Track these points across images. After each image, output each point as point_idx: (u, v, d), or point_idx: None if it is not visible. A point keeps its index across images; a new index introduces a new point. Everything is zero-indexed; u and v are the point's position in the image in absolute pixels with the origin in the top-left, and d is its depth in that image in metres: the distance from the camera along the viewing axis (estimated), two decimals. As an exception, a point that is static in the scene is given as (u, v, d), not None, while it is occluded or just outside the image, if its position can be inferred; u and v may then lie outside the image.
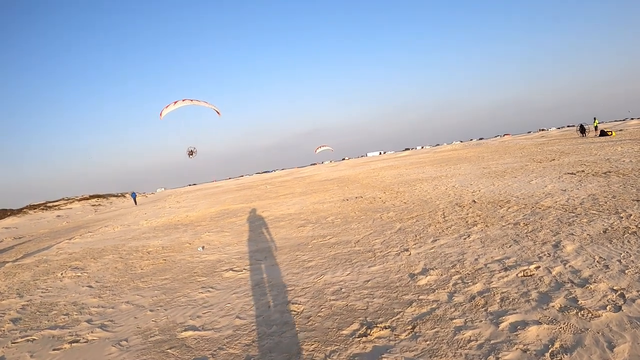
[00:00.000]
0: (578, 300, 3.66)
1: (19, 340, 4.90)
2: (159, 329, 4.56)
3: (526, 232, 6.19)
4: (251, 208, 16.53)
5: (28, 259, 11.62)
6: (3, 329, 5.42)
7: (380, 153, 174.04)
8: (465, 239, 6.34)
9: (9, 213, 41.31)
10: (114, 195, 59.62)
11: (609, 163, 13.22)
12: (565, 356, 2.87)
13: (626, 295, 3.61)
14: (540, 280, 4.27)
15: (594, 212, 6.85)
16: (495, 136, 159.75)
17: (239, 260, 7.34)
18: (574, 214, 6.90)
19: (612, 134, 30.39)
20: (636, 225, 5.65)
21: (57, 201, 51.73)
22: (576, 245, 5.22)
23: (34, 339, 4.88)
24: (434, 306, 3.99)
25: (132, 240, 12.19)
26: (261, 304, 4.83)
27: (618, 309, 3.41)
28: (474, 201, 9.62)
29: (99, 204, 48.13)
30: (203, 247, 8.99)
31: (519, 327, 3.37)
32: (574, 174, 11.67)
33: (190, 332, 4.31)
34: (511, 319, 3.52)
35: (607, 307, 3.45)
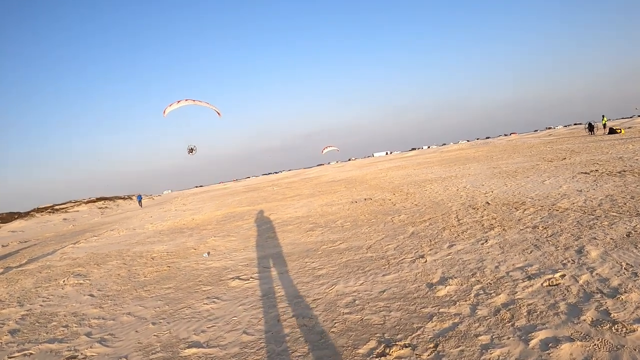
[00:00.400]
0: (610, 313, 3.36)
1: (16, 354, 4.66)
2: (160, 345, 4.29)
3: (546, 237, 5.86)
4: (258, 211, 16.27)
5: (31, 264, 11.44)
6: (0, 341, 5.19)
7: (386, 153, 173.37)
8: (482, 244, 6.02)
9: (16, 216, 41.53)
10: (120, 198, 59.81)
11: (622, 162, 12.83)
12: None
13: (662, 307, 3.29)
14: (568, 291, 3.95)
15: (614, 214, 6.51)
16: (498, 136, 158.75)
17: (246, 268, 7.06)
18: (593, 216, 6.56)
19: (621, 132, 29.91)
20: (663, 229, 5.31)
21: (64, 204, 52.00)
22: (600, 250, 4.89)
23: (32, 354, 4.63)
24: (456, 320, 3.68)
25: (137, 245, 11.97)
26: (270, 318, 4.53)
27: (654, 322, 3.10)
28: (487, 203, 9.28)
29: (106, 207, 48.24)
30: (208, 253, 8.73)
31: (550, 344, 3.06)
32: (588, 174, 11.30)
33: (194, 350, 4.01)
34: (541, 335, 3.21)
35: (642, 320, 3.15)
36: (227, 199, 27.98)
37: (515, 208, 8.19)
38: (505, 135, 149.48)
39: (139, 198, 44.18)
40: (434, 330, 3.58)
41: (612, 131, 31.13)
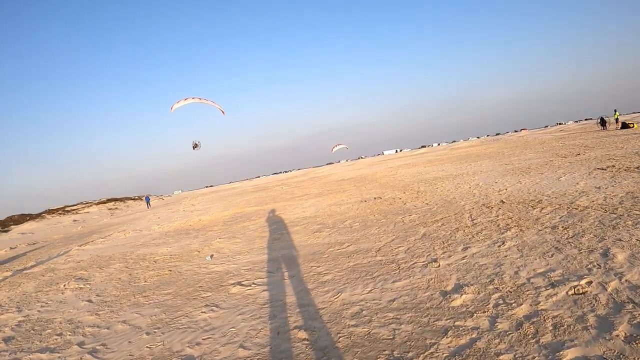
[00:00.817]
0: (645, 326, 2.96)
1: (6, 364, 4.44)
2: (152, 358, 3.98)
3: (567, 238, 5.43)
4: (265, 211, 15.98)
5: (36, 267, 11.31)
6: (-6, 349, 5.00)
7: (396, 151, 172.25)
8: (499, 246, 5.60)
9: (27, 218, 41.93)
10: (131, 199, 60.14)
11: (639, 157, 12.27)
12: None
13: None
14: (596, 300, 3.54)
15: (638, 212, 6.06)
16: (507, 132, 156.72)
17: (248, 272, 6.73)
18: (615, 215, 6.11)
19: (634, 126, 29.18)
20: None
21: (74, 205, 52.40)
22: (627, 253, 4.47)
23: (21, 364, 4.42)
24: (474, 336, 3.29)
25: (142, 247, 11.75)
26: (269, 330, 4.18)
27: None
28: (502, 201, 8.84)
29: (116, 208, 48.49)
30: (211, 256, 8.43)
31: (582, 366, 2.68)
32: (605, 170, 10.78)
33: (186, 365, 3.70)
34: (570, 354, 2.82)
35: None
36: (235, 199, 27.80)
37: (532, 207, 7.76)
38: (516, 131, 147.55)
39: (147, 199, 44.48)
40: (449, 347, 3.20)
41: (625, 126, 30.38)
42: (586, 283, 3.92)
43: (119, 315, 5.66)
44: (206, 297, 5.73)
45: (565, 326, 3.20)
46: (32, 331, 5.60)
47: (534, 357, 2.86)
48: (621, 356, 2.69)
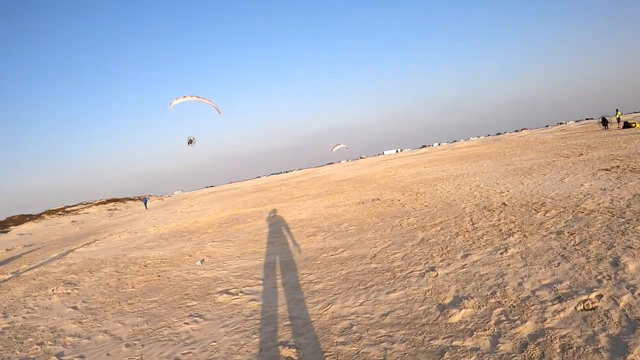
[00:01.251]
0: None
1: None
2: (127, 376, 3.70)
3: (574, 245, 5.11)
4: (262, 212, 15.68)
5: (29, 270, 11.07)
6: (-28, 359, 4.81)
7: (397, 151, 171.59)
8: (502, 253, 5.28)
9: (27, 218, 41.73)
10: (131, 199, 59.95)
11: (643, 157, 11.95)
12: None
13: None
14: (607, 317, 3.24)
15: (647, 216, 5.73)
16: (505, 132, 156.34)
17: (237, 279, 6.43)
18: (623, 220, 5.80)
19: (636, 126, 28.88)
20: None
21: (75, 206, 52.21)
22: (638, 262, 4.16)
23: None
24: (473, 359, 2.99)
25: (135, 250, 11.48)
26: (252, 345, 3.88)
27: None
28: (504, 204, 8.52)
29: (115, 208, 48.29)
30: (202, 261, 8.14)
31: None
32: (609, 170, 10.44)
33: (160, 386, 3.41)
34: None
35: None
36: (233, 200, 27.51)
37: (535, 210, 7.44)
38: (516, 131, 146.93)
39: (145, 200, 44.33)
40: (445, 371, 2.90)
41: (627, 125, 30.05)
42: (596, 297, 3.61)
43: (101, 324, 5.43)
44: (191, 307, 5.44)
45: (575, 348, 2.90)
46: (14, 339, 5.45)
47: (539, 384, 2.56)
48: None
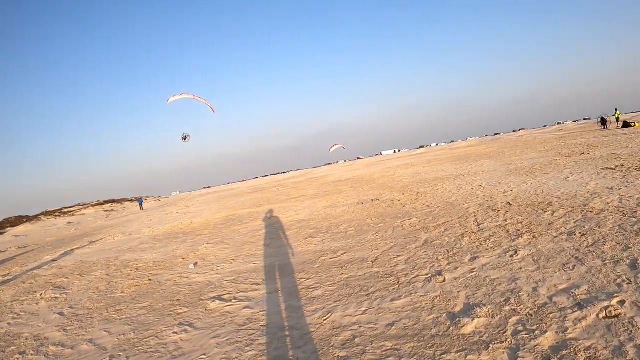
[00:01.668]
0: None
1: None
2: (107, 394, 3.37)
3: (587, 246, 4.81)
4: (258, 213, 15.35)
5: (20, 274, 10.72)
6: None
7: (394, 151, 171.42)
8: (512, 256, 4.97)
9: (24, 220, 41.26)
10: (128, 200, 59.49)
11: (647, 156, 11.70)
12: None
13: None
14: (633, 325, 2.95)
15: (660, 216, 5.45)
16: (502, 132, 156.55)
17: (231, 285, 6.09)
18: (636, 219, 5.51)
19: (635, 125, 28.77)
20: None
21: (72, 207, 51.74)
22: (658, 265, 3.87)
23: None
24: (491, 376, 2.68)
25: (128, 253, 11.14)
26: (245, 358, 3.55)
27: None
28: (508, 203, 8.22)
29: (112, 210, 47.84)
30: (195, 264, 7.80)
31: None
32: (614, 169, 10.18)
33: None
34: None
35: None
36: (230, 201, 27.16)
37: (542, 209, 7.14)
38: (514, 131, 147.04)
39: (140, 201, 43.88)
40: (461, 391, 2.58)
41: (626, 124, 29.93)
42: (618, 303, 3.32)
43: (86, 332, 5.12)
44: (181, 314, 5.10)
45: (602, 361, 2.60)
46: (-4, 347, 5.14)
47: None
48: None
